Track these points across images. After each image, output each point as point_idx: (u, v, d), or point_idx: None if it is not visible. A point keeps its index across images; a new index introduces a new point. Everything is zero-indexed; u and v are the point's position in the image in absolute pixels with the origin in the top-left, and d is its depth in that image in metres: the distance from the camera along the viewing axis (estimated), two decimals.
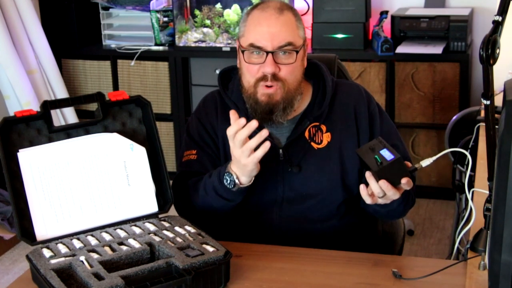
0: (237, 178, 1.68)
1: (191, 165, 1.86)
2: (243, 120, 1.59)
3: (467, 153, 1.65)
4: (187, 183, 1.83)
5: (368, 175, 1.58)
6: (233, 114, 1.62)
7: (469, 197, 1.70)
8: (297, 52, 1.75)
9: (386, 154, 1.56)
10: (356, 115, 1.85)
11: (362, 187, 1.60)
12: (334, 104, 1.86)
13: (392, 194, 1.57)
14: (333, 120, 1.85)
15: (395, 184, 1.56)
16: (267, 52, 1.72)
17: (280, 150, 1.82)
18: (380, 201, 1.61)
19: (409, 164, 1.60)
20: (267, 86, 1.75)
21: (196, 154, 1.87)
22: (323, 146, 1.83)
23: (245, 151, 1.60)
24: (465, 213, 1.74)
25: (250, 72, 1.76)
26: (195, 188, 1.80)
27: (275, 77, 1.74)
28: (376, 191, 1.57)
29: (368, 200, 1.61)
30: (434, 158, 1.58)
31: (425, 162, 1.57)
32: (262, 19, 1.75)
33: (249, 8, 1.84)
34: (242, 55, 1.77)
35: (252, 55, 1.76)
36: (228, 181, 1.70)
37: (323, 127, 1.84)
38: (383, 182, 1.55)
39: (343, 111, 1.86)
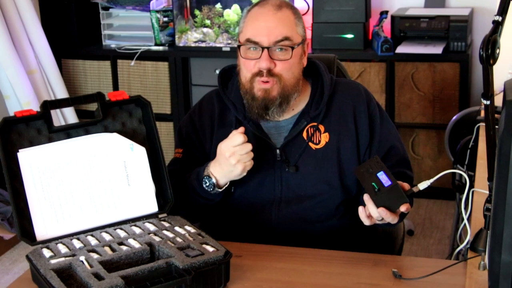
0: (216, 181, 1.74)
1: (176, 163, 1.89)
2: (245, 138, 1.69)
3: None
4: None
5: (367, 198, 1.59)
6: (241, 130, 1.70)
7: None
8: (292, 48, 1.75)
9: (384, 178, 1.56)
10: (355, 115, 1.85)
11: (360, 209, 1.61)
12: (332, 104, 1.85)
13: (391, 220, 1.59)
14: (332, 120, 1.84)
15: (393, 209, 1.57)
16: (263, 48, 1.73)
17: (277, 150, 1.82)
18: (379, 222, 1.62)
19: (405, 186, 1.60)
20: (263, 82, 1.75)
21: (182, 153, 1.89)
22: (321, 147, 1.83)
23: (242, 160, 1.68)
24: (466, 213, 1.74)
25: (247, 67, 1.77)
26: (179, 187, 1.81)
27: (270, 72, 1.75)
28: (374, 215, 1.59)
29: (366, 222, 1.62)
30: (432, 180, 1.59)
31: (423, 185, 1.59)
32: (259, 14, 1.77)
33: (249, 6, 1.85)
34: (239, 50, 1.78)
35: (248, 51, 1.76)
36: (207, 184, 1.74)
37: (321, 127, 1.84)
38: (381, 210, 1.56)
39: (342, 110, 1.85)
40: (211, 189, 1.74)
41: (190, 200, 1.81)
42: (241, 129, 1.70)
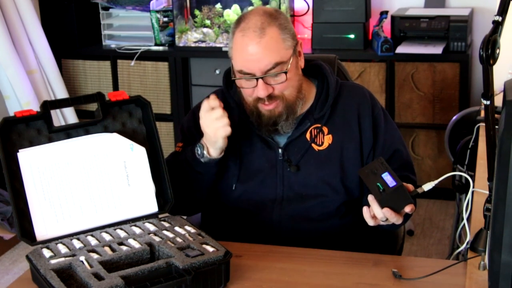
0: (207, 150, 1.75)
1: (175, 156, 1.89)
2: (218, 102, 1.70)
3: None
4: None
5: (371, 199, 1.58)
6: (213, 97, 1.71)
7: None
8: (285, 72, 1.72)
9: (389, 179, 1.56)
10: (359, 118, 1.84)
11: (365, 209, 1.61)
12: (337, 106, 1.85)
13: (396, 220, 1.58)
14: (335, 122, 1.84)
15: (398, 210, 1.57)
16: (257, 78, 1.71)
17: (280, 150, 1.82)
18: (383, 223, 1.62)
19: (410, 187, 1.60)
20: (266, 105, 1.76)
21: (181, 147, 1.89)
22: (323, 148, 1.83)
23: (215, 125, 1.70)
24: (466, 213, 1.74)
25: (246, 93, 1.77)
26: (172, 167, 1.82)
27: (270, 96, 1.74)
28: (379, 216, 1.58)
29: (370, 223, 1.61)
30: (436, 181, 1.59)
31: (427, 186, 1.59)
32: (244, 44, 1.71)
33: (235, 20, 1.79)
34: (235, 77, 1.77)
35: (243, 81, 1.75)
36: (199, 152, 1.76)
37: (325, 129, 1.84)
38: (386, 210, 1.56)
39: (346, 113, 1.85)
40: (201, 156, 1.75)
41: (182, 177, 1.81)
42: (211, 96, 1.72)
